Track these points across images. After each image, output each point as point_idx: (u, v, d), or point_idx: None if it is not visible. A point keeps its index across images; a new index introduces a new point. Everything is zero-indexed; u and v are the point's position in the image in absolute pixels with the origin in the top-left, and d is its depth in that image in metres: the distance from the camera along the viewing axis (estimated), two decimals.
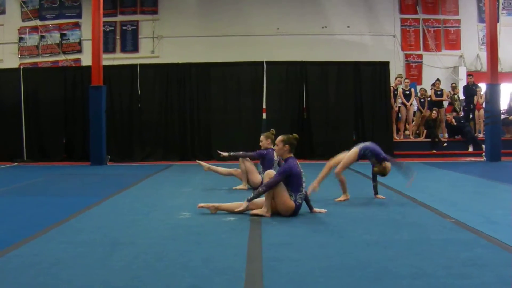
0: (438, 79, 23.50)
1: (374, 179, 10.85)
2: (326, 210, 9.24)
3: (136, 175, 15.34)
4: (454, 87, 23.67)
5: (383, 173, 10.97)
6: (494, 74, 19.74)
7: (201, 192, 11.99)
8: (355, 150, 11.07)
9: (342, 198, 10.67)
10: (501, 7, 27.37)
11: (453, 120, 22.08)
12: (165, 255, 6.44)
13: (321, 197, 10.35)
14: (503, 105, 22.85)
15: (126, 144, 20.20)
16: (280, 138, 9.13)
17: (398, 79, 22.17)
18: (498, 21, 22.10)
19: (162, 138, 20.35)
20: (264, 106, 20.57)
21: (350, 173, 14.32)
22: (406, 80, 22.34)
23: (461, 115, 22.87)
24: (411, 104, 21.86)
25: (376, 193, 10.78)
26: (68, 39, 27.25)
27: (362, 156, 10.99)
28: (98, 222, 8.53)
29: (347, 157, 11.00)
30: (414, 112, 22.61)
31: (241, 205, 8.99)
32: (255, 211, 8.87)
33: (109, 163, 19.16)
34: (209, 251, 6.59)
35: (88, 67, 19.72)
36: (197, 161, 13.72)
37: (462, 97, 23.70)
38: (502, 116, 22.14)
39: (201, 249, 6.69)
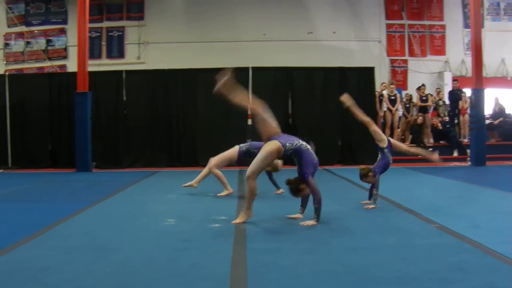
0: (423, 84, 23.59)
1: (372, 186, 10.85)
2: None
3: (122, 182, 15.32)
4: (438, 92, 23.80)
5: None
6: (478, 79, 19.86)
7: (187, 198, 12.01)
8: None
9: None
10: (485, 12, 27.51)
11: (439, 124, 22.18)
12: (151, 261, 6.46)
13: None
14: (488, 110, 23.00)
15: (112, 150, 20.16)
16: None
17: (384, 84, 22.26)
18: (482, 26, 22.26)
19: (148, 144, 20.31)
20: (250, 112, 20.58)
21: (336, 179, 14.39)
22: (392, 86, 22.42)
23: (446, 120, 22.97)
24: (396, 110, 21.93)
25: (369, 198, 10.80)
26: (54, 45, 27.16)
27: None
28: (85, 228, 8.54)
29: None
30: (400, 117, 22.68)
31: None
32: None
33: (94, 169, 19.15)
34: (195, 257, 6.61)
35: (74, 73, 19.67)
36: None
37: (447, 102, 23.81)
38: (487, 121, 22.28)
39: (187, 255, 6.72)
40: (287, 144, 8.96)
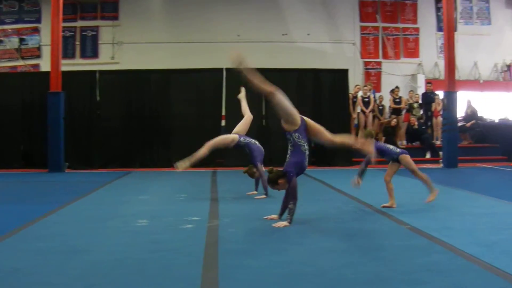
0: (397, 87, 23.70)
1: (365, 165, 10.81)
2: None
3: (94, 182, 15.23)
4: (412, 96, 23.92)
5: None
6: (451, 82, 19.99)
7: (159, 199, 11.99)
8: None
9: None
10: (459, 16, 27.68)
11: (416, 123, 22.32)
12: (122, 263, 6.44)
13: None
14: (460, 113, 23.15)
15: (84, 151, 20.01)
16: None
17: (358, 86, 22.36)
18: (455, 30, 22.36)
19: (121, 145, 20.20)
20: (224, 113, 20.58)
21: (310, 181, 14.43)
22: (365, 87, 22.49)
23: (421, 121, 23.09)
24: (370, 111, 22.00)
25: (359, 175, 10.74)
26: (27, 44, 26.96)
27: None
28: (56, 229, 8.49)
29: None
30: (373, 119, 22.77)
31: None
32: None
33: (67, 170, 19.03)
34: (166, 259, 6.60)
35: (47, 73, 19.52)
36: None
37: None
38: (459, 124, 22.43)
39: (158, 257, 6.70)
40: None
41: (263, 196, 12.04)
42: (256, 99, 20.54)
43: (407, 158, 10.74)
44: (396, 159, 10.72)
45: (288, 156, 9.09)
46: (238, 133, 12.52)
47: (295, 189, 8.75)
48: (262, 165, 12.00)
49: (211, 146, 12.36)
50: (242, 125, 12.85)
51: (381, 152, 10.60)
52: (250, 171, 12.33)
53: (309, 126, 9.19)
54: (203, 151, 12.37)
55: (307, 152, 9.04)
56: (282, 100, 9.05)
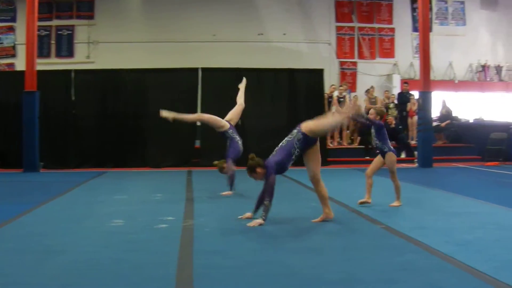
0: (372, 87, 23.81)
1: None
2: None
3: (69, 182, 15.15)
4: (388, 96, 24.00)
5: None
6: (426, 82, 20.10)
7: (135, 199, 11.95)
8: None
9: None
10: (434, 17, 27.82)
11: (393, 122, 22.40)
12: (97, 263, 6.43)
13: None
14: (436, 113, 23.28)
15: (60, 150, 19.85)
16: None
17: (333, 86, 22.39)
18: (431, 30, 22.48)
19: (97, 144, 20.06)
20: (199, 113, 20.53)
21: (286, 180, 14.44)
22: (341, 87, 22.55)
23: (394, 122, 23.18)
24: None
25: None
26: (2, 43, 26.74)
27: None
28: (30, 230, 8.44)
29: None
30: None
31: None
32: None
33: (42, 170, 18.89)
34: (141, 259, 6.60)
35: (22, 72, 19.37)
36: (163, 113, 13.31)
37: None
38: (434, 123, 22.55)
39: (133, 257, 6.70)
40: None
41: (229, 192, 12.14)
42: (231, 99, 20.53)
43: (393, 157, 10.81)
44: (384, 153, 10.76)
45: (274, 152, 9.17)
46: (230, 121, 12.73)
47: (273, 186, 8.78)
48: (234, 163, 12.05)
49: (200, 117, 12.73)
50: (234, 113, 13.24)
51: (381, 131, 10.69)
52: (220, 165, 12.36)
53: (310, 132, 9.20)
54: (192, 117, 12.81)
55: (294, 157, 9.13)
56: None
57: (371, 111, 10.89)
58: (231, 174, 12.12)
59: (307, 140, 9.02)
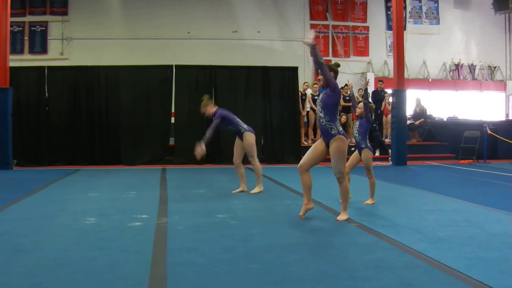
0: (346, 84, 23.84)
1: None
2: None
3: (42, 180, 15.04)
4: (361, 94, 24.07)
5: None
6: (400, 80, 20.20)
7: (108, 197, 11.89)
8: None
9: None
10: (408, 15, 28.04)
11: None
12: (69, 261, 6.36)
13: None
14: (410, 111, 23.40)
15: (33, 147, 19.71)
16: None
17: (306, 83, 22.39)
18: (405, 29, 22.62)
19: (70, 142, 19.92)
20: (173, 110, 20.50)
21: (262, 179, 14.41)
22: (315, 85, 22.58)
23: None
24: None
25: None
26: None
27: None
28: (1, 228, 8.34)
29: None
30: None
31: None
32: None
33: (15, 167, 18.74)
34: (113, 257, 6.54)
35: None
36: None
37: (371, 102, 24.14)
38: (408, 122, 22.66)
39: (105, 255, 6.64)
40: None
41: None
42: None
43: (369, 154, 10.83)
44: (361, 150, 10.79)
45: None
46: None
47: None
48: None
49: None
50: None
51: (366, 127, 10.68)
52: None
53: None
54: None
55: None
56: None
57: (360, 105, 10.88)
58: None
59: None
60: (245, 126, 12.21)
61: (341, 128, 9.01)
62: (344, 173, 9.07)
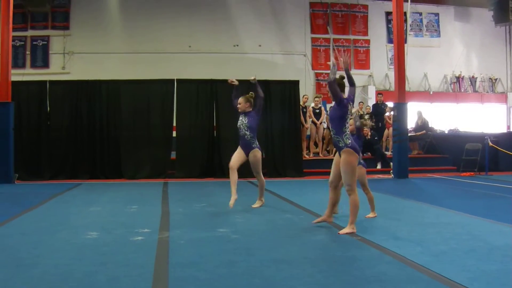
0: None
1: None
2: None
3: (44, 194, 15.02)
4: (362, 107, 24.08)
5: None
6: (401, 93, 20.19)
7: (110, 211, 11.87)
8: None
9: None
10: (409, 28, 28.04)
11: (369, 133, 22.47)
12: (71, 275, 6.35)
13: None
14: (411, 124, 23.39)
15: (34, 162, 19.69)
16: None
17: (305, 96, 22.34)
18: (405, 42, 22.61)
19: (72, 156, 19.90)
20: (175, 124, 20.49)
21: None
22: (316, 99, 22.57)
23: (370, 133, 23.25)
24: (321, 123, 22.05)
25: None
26: None
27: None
28: (3, 242, 8.33)
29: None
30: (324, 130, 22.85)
31: None
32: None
33: (16, 181, 18.74)
34: (115, 272, 6.53)
35: None
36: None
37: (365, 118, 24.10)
38: (410, 134, 22.65)
39: (107, 270, 6.63)
40: None
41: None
42: (206, 110, 20.53)
43: (363, 170, 10.80)
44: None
45: None
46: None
47: None
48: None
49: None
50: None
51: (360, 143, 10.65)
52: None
53: None
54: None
55: None
56: None
57: (351, 121, 10.88)
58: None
59: None
60: (257, 142, 12.17)
61: (349, 141, 9.23)
62: (352, 186, 9.16)
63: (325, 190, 12.81)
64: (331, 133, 9.52)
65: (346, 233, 8.92)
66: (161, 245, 8.10)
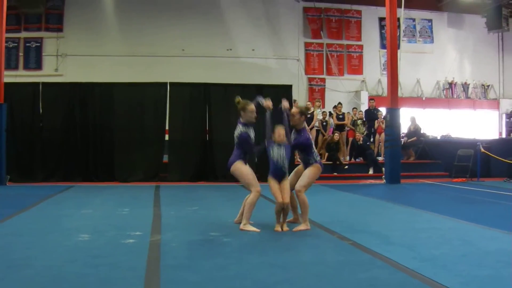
0: (340, 103, 23.89)
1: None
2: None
3: (36, 196, 14.99)
4: (355, 112, 24.13)
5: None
6: (394, 99, 20.20)
7: (102, 214, 11.85)
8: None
9: None
10: (402, 34, 28.08)
11: (361, 138, 22.52)
12: (62, 278, 6.34)
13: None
14: (404, 129, 23.42)
15: (26, 163, 19.67)
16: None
17: (295, 101, 22.30)
18: (398, 47, 22.64)
19: (64, 158, 19.89)
20: (167, 127, 20.47)
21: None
22: (308, 103, 22.58)
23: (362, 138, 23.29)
24: (312, 128, 22.04)
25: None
26: None
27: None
28: None
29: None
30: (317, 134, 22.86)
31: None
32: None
33: (8, 183, 18.69)
34: (107, 274, 6.52)
35: None
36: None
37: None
38: (402, 140, 22.68)
39: (99, 272, 6.62)
40: None
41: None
42: (199, 113, 20.52)
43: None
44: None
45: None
46: None
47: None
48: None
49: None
50: None
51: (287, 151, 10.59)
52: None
53: None
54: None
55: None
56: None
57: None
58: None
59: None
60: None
61: (318, 158, 10.73)
62: (305, 189, 10.25)
63: (317, 194, 12.87)
64: (301, 155, 10.67)
65: (301, 230, 9.66)
66: (152, 247, 8.09)
